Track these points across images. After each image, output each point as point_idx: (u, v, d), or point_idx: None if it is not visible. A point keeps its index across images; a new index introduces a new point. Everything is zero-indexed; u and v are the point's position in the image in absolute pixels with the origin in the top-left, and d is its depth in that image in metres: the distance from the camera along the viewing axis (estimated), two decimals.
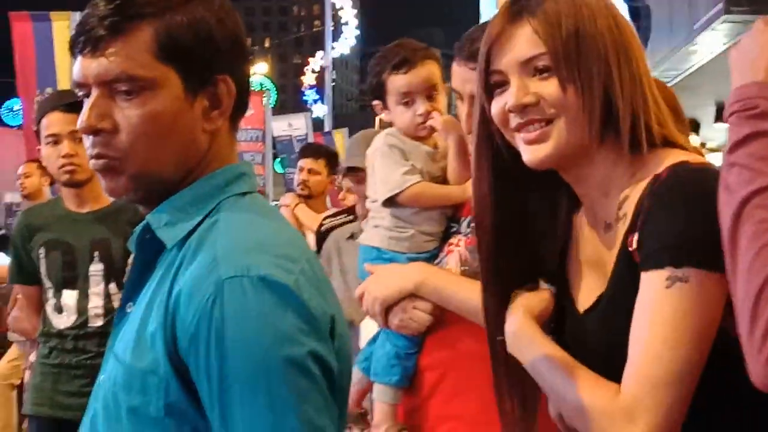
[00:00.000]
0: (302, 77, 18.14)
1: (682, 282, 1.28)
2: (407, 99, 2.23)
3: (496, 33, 1.44)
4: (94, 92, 1.30)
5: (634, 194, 1.39)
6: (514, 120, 1.43)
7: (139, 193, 1.34)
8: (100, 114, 1.29)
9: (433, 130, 2.20)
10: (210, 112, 1.33)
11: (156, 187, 1.33)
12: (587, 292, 1.49)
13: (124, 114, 1.29)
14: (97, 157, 1.32)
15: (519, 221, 1.53)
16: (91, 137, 1.31)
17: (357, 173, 3.44)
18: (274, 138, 12.71)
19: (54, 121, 3.10)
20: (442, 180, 2.21)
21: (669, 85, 2.54)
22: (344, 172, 3.85)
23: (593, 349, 1.43)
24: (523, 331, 1.49)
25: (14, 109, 13.02)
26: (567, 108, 1.39)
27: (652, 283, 1.31)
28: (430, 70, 2.22)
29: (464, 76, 2.04)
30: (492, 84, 1.46)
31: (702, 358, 1.30)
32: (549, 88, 1.40)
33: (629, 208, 1.39)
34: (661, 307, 1.30)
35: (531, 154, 1.43)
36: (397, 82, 2.23)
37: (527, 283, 1.56)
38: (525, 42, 1.42)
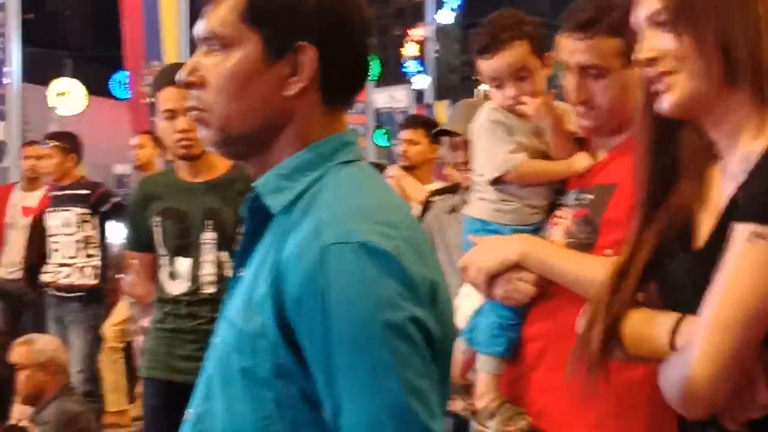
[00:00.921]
0: (403, 49, 18.08)
1: (760, 239, 1.31)
2: (496, 83, 2.20)
3: None
4: (198, 48, 1.38)
5: (756, 149, 1.41)
6: (648, 74, 1.51)
7: (224, 146, 1.39)
8: (192, 68, 1.37)
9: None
10: (284, 79, 1.35)
11: (240, 144, 1.38)
12: (702, 236, 1.51)
13: (209, 70, 1.35)
14: (191, 108, 1.39)
15: (675, 170, 1.57)
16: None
17: (451, 138, 3.39)
18: (377, 110, 12.77)
19: (170, 96, 3.17)
20: (548, 154, 2.20)
21: None
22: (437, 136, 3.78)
23: (684, 294, 1.47)
24: None
25: (122, 82, 13.30)
26: (684, 60, 1.45)
27: (736, 235, 1.35)
28: (517, 52, 2.15)
29: (571, 47, 2.03)
30: None
31: None
32: (668, 41, 1.47)
33: (749, 164, 1.41)
34: (736, 259, 1.34)
35: (661, 104, 1.50)
36: (483, 66, 2.20)
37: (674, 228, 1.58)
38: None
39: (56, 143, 5.77)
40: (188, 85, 1.37)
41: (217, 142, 1.38)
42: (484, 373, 2.17)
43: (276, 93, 1.35)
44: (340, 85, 1.39)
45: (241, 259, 1.42)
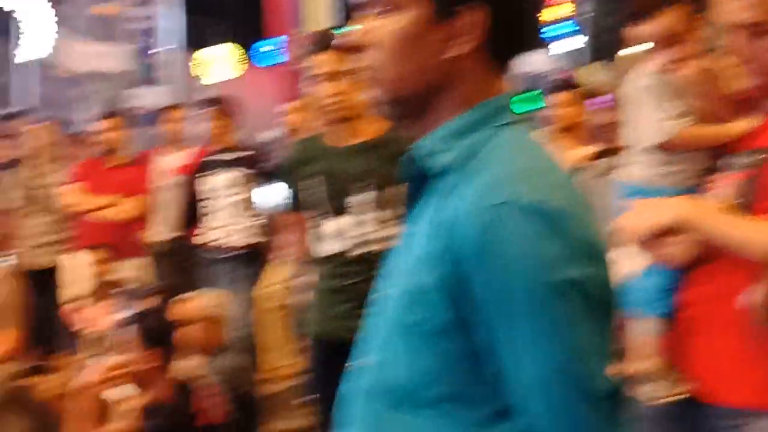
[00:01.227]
0: (547, 11, 17.64)
1: None
2: (651, 47, 2.17)
3: None
4: (363, 12, 1.41)
5: None
6: None
7: (392, 107, 1.41)
8: (363, 31, 1.40)
9: None
10: (453, 39, 1.35)
11: (408, 104, 1.40)
12: None
13: (379, 32, 1.38)
14: (363, 69, 1.42)
15: None
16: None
17: (599, 100, 3.34)
18: (524, 74, 12.62)
19: (322, 61, 3.23)
20: (706, 118, 2.16)
21: None
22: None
23: None
24: None
25: (262, 51, 13.54)
26: None
27: None
28: (672, 17, 2.13)
29: (735, 5, 1.98)
30: None
31: None
32: None
33: None
34: None
35: None
36: (634, 32, 2.18)
37: None
38: None
39: (215, 107, 5.93)
40: (360, 48, 1.40)
41: (386, 102, 1.42)
42: (644, 336, 2.16)
43: (444, 53, 1.36)
44: (507, 46, 1.39)
45: (404, 219, 1.45)
